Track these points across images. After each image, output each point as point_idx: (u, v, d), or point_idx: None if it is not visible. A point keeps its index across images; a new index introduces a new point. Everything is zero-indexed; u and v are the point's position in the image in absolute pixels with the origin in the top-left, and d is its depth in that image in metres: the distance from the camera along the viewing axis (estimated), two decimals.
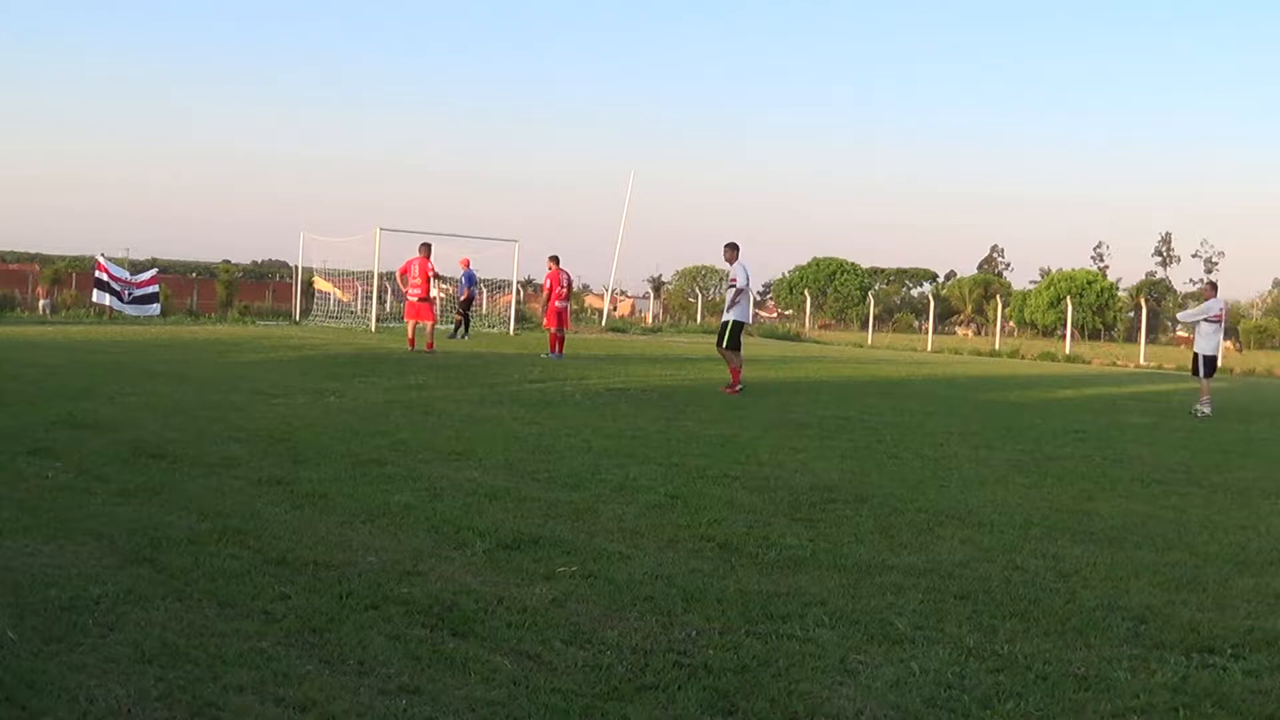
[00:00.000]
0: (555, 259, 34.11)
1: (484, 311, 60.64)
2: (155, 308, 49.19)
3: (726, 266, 24.97)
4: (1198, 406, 24.96)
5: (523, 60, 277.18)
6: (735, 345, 24.47)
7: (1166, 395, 29.85)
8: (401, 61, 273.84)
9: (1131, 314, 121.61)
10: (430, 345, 32.37)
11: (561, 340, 33.54)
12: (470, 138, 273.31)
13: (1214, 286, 27.63)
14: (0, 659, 5.80)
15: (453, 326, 43.51)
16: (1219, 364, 26.94)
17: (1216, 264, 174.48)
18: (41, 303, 57.03)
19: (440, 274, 41.04)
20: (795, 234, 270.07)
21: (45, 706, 5.28)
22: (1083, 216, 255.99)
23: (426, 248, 33.51)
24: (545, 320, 35.50)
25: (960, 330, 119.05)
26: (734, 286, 24.85)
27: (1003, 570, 8.80)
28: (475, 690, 5.75)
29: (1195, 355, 26.28)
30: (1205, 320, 26.36)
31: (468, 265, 44.32)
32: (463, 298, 44.17)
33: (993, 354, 63.68)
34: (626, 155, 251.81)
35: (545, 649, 6.40)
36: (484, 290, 61.91)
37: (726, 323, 24.80)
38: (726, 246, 24.65)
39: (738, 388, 23.90)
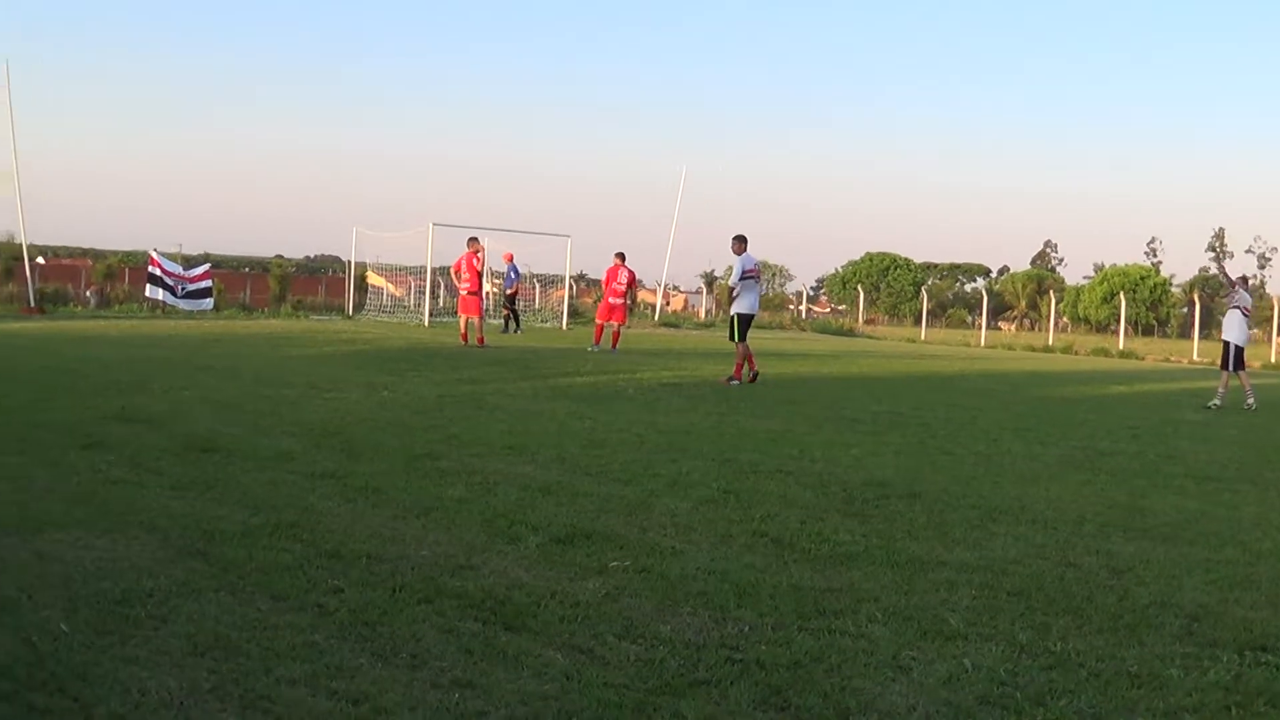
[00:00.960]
0: (620, 255, 34.25)
1: (536, 306, 60.65)
2: (208, 302, 49.36)
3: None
4: (1249, 401, 24.94)
5: (578, 55, 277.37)
6: (745, 336, 24.62)
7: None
8: (454, 57, 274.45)
9: (1185, 310, 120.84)
10: (481, 340, 32.36)
11: (616, 335, 33.60)
12: (523, 132, 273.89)
13: (1244, 280, 27.45)
14: (53, 651, 5.82)
15: (503, 321, 43.61)
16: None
17: (1269, 259, 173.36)
18: (88, 293, 57.17)
19: (493, 269, 41.28)
20: (848, 229, 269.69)
21: (98, 698, 5.29)
22: (1136, 211, 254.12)
23: (474, 241, 33.57)
24: (599, 313, 35.53)
25: (1004, 326, 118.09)
26: (736, 283, 25.06)
27: (1056, 567, 8.76)
28: (528, 684, 5.75)
29: (1228, 344, 25.98)
30: (1243, 311, 26.24)
31: (511, 259, 44.45)
32: (510, 292, 44.29)
33: (1046, 349, 63.42)
34: (680, 150, 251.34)
35: (598, 643, 6.40)
36: (536, 285, 61.99)
37: (733, 317, 25.03)
38: (734, 239, 24.89)
39: (734, 381, 24.03)
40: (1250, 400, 24.93)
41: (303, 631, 6.33)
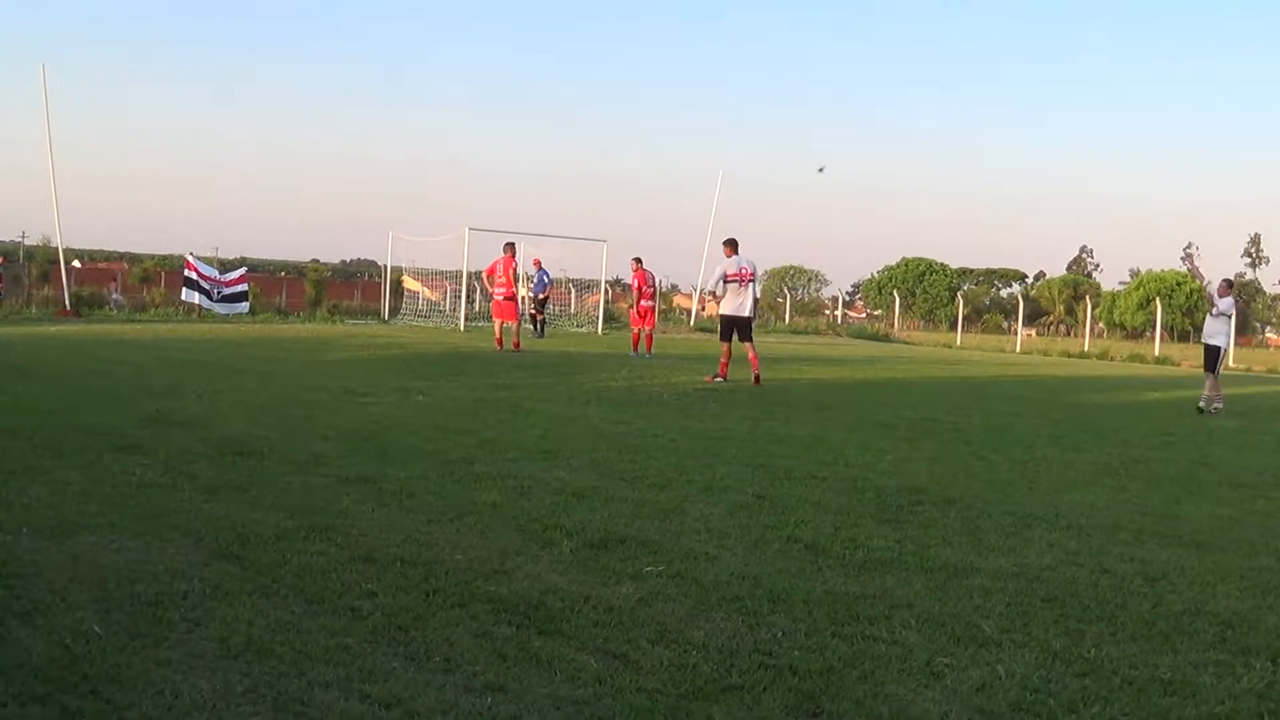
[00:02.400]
0: (638, 260, 34.54)
1: (572, 311, 60.71)
2: (244, 306, 49.61)
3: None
4: (1216, 405, 24.78)
5: (612, 59, 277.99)
6: (727, 338, 25.23)
7: (1255, 398, 29.50)
8: (488, 61, 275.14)
9: None
10: (517, 344, 32.48)
11: (649, 339, 33.78)
12: (558, 137, 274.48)
13: (1230, 284, 27.17)
14: (86, 654, 5.84)
15: (537, 326, 43.71)
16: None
17: None
18: (113, 297, 57.27)
19: (527, 274, 41.54)
20: (885, 234, 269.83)
21: (130, 701, 5.30)
22: (1172, 217, 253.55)
23: (510, 247, 33.81)
24: (632, 319, 35.80)
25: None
26: (739, 281, 25.47)
27: (1090, 574, 8.72)
28: (561, 689, 5.74)
29: (1219, 349, 25.69)
30: (1229, 316, 26.10)
31: (540, 265, 44.53)
32: (541, 297, 44.38)
33: (1081, 355, 63.27)
34: (717, 155, 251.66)
35: (631, 648, 6.39)
36: (572, 290, 62.11)
37: (719, 317, 25.96)
38: (724, 243, 25.53)
39: (718, 379, 24.64)
40: (1204, 404, 24.91)
41: (336, 635, 6.34)
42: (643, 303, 34.14)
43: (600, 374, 25.18)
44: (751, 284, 25.51)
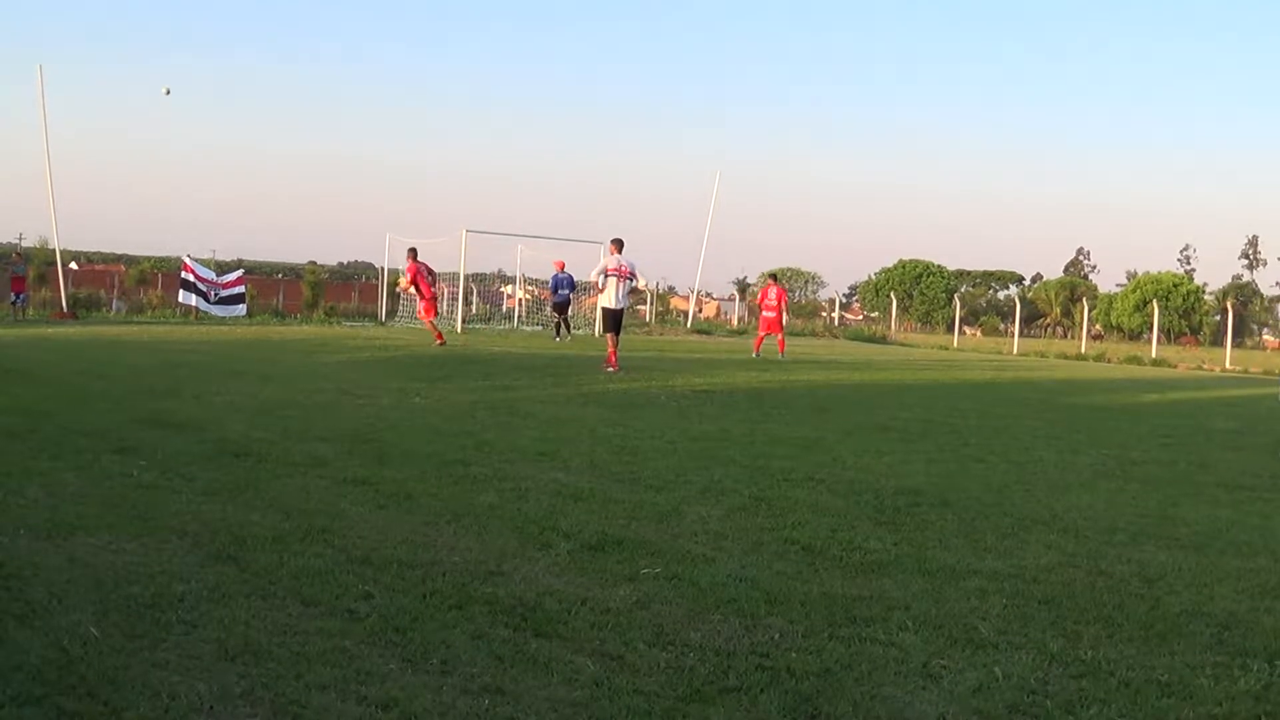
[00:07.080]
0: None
1: (569, 313, 60.79)
2: (241, 308, 49.68)
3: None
4: None
5: (607, 63, 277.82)
6: (604, 329, 27.82)
7: (1253, 400, 29.47)
8: (485, 66, 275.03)
9: (1218, 318, 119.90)
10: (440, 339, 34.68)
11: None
12: (556, 139, 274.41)
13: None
14: (84, 655, 5.83)
15: (557, 330, 43.96)
16: None
17: None
18: (115, 304, 57.39)
19: (525, 275, 41.94)
20: (882, 236, 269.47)
21: (128, 702, 5.29)
22: (1169, 219, 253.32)
23: (413, 252, 35.63)
24: None
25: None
26: (618, 276, 27.27)
27: (1087, 575, 8.72)
28: (558, 691, 5.74)
29: None
30: None
31: (563, 268, 44.55)
32: (562, 300, 44.64)
33: (1078, 357, 63.26)
34: (714, 157, 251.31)
35: (628, 650, 6.38)
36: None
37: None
38: (611, 241, 27.54)
39: (609, 368, 26.61)
40: None
41: (333, 637, 6.33)
42: None
43: (598, 376, 25.15)
44: (628, 281, 27.28)
